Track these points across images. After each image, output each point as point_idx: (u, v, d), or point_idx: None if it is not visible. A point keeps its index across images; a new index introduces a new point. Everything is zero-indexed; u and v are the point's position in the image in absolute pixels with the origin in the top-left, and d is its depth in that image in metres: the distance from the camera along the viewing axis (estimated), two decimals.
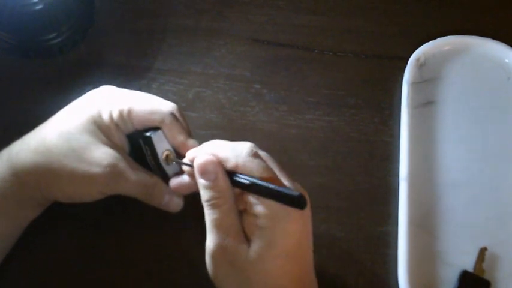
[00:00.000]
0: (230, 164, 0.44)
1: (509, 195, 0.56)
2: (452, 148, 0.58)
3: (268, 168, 0.44)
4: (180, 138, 0.49)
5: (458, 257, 0.53)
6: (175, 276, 0.52)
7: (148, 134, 0.48)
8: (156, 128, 0.49)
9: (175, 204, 0.50)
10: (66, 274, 0.52)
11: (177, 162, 0.49)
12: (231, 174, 0.44)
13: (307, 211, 0.44)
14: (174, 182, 0.49)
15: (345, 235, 0.55)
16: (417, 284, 0.51)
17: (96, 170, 0.46)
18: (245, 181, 0.43)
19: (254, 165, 0.44)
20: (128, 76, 0.61)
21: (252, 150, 0.44)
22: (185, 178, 0.49)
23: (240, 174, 0.44)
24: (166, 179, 0.49)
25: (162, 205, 0.50)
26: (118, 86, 0.51)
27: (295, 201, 0.42)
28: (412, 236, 0.52)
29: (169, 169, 0.49)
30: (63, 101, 0.51)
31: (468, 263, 0.53)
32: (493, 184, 0.57)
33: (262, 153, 0.46)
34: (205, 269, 0.45)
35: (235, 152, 0.45)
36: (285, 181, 0.45)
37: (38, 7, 0.58)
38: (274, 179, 0.44)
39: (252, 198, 0.43)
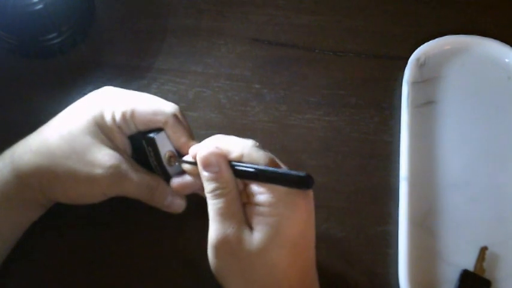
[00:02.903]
0: (235, 155, 0.44)
1: (509, 195, 0.56)
2: (453, 148, 0.58)
3: (272, 157, 0.44)
4: (183, 139, 0.48)
5: (458, 256, 0.53)
6: (175, 276, 0.52)
7: (151, 135, 0.48)
8: (158, 129, 0.48)
9: (178, 205, 0.50)
10: (65, 274, 0.52)
11: (180, 162, 0.49)
12: (234, 165, 0.44)
13: (311, 203, 0.44)
14: (176, 181, 0.49)
15: (345, 235, 0.55)
16: (417, 284, 0.51)
17: (98, 171, 0.47)
18: (250, 169, 0.43)
19: (259, 155, 0.44)
20: (128, 76, 0.61)
21: (256, 143, 0.45)
22: (187, 177, 0.49)
23: (245, 163, 0.44)
24: (168, 180, 0.50)
25: (165, 206, 0.50)
26: (118, 86, 0.51)
27: (303, 181, 0.42)
28: (412, 235, 0.52)
29: (171, 170, 0.49)
30: (63, 101, 0.51)
31: (468, 262, 0.53)
32: (493, 184, 0.57)
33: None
34: (204, 268, 0.44)
35: (239, 143, 0.45)
36: None
37: (38, 7, 0.58)
38: (279, 167, 0.44)
39: (256, 188, 0.43)
